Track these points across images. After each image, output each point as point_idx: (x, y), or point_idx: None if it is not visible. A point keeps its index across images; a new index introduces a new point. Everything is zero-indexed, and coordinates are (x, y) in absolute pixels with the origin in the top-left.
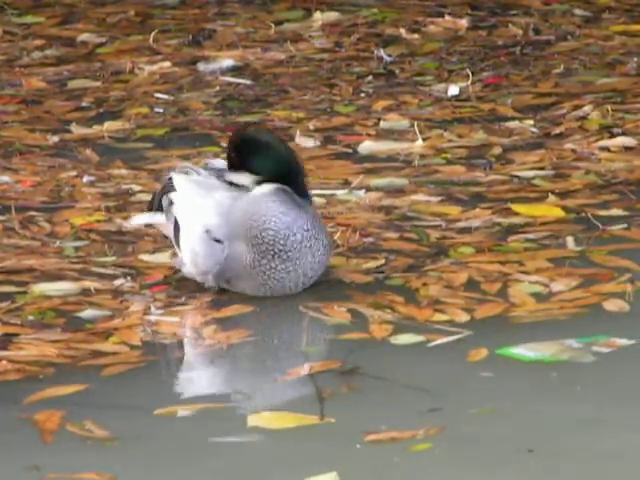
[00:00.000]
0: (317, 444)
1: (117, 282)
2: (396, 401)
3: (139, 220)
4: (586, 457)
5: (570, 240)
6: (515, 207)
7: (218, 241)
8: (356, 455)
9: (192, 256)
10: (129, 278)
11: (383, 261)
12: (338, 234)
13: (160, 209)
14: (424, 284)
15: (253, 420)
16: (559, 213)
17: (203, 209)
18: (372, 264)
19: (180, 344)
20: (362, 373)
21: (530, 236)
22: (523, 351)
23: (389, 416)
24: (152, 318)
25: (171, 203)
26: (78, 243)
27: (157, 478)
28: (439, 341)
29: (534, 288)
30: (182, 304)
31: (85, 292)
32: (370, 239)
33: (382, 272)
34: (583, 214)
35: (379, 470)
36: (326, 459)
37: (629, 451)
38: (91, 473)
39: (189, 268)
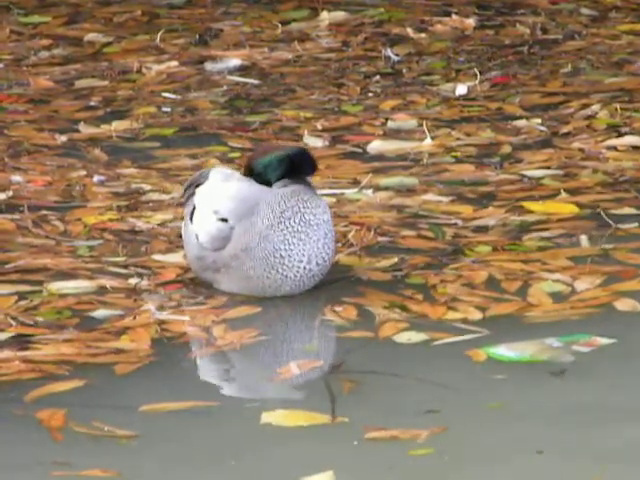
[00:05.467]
0: (317, 442)
1: (131, 281)
2: (399, 400)
3: None
4: (590, 457)
5: (584, 239)
6: (529, 205)
7: (225, 220)
8: (356, 454)
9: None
10: (144, 277)
11: (396, 260)
12: (352, 233)
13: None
14: (442, 281)
15: (261, 418)
16: (573, 209)
17: (217, 194)
18: (387, 262)
19: (191, 343)
20: (368, 371)
21: (546, 234)
22: (504, 351)
23: (392, 415)
24: (164, 317)
25: (194, 194)
26: (91, 242)
27: (163, 475)
28: (445, 340)
29: (556, 287)
30: (194, 304)
31: (100, 291)
32: (386, 238)
33: (400, 270)
34: (598, 210)
35: (378, 469)
36: (326, 457)
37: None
38: (96, 470)
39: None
